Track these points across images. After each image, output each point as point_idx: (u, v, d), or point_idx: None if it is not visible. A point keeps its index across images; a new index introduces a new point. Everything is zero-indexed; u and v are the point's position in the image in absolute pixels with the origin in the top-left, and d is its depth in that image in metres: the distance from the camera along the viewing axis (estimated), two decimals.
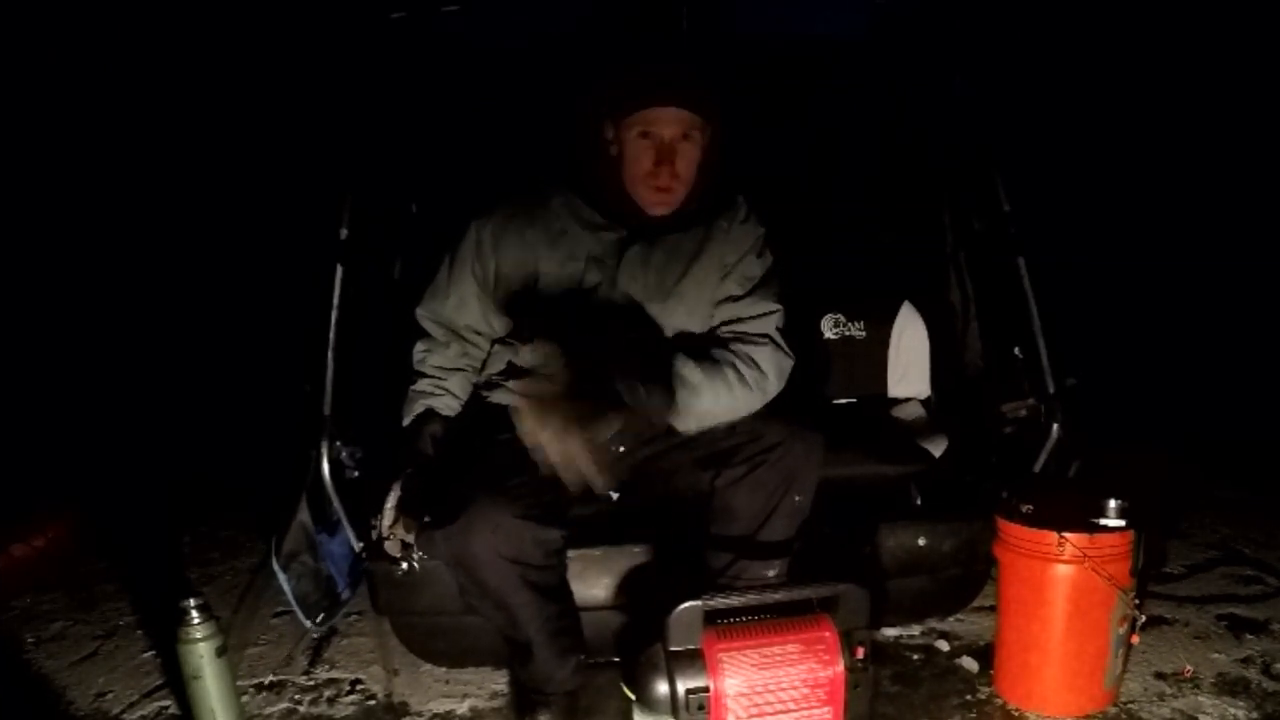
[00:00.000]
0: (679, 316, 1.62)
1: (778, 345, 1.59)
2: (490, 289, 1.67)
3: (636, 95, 1.54)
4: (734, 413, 1.52)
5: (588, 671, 1.56)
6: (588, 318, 1.60)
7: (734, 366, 1.52)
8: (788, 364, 1.60)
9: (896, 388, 2.22)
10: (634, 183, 1.59)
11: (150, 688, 1.90)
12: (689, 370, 1.47)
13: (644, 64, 1.58)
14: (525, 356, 1.66)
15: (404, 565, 1.53)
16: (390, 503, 1.52)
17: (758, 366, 1.55)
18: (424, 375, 1.69)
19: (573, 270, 1.61)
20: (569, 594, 1.55)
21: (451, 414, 1.67)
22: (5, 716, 1.88)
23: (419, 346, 1.72)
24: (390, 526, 1.51)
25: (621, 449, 1.63)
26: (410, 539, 1.52)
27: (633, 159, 1.57)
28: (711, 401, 1.49)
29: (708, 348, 1.57)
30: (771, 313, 1.62)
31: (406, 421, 1.67)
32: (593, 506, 1.58)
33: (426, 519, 1.48)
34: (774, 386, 1.57)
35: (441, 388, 1.67)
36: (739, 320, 1.61)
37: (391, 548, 1.54)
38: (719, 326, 1.63)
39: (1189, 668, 1.75)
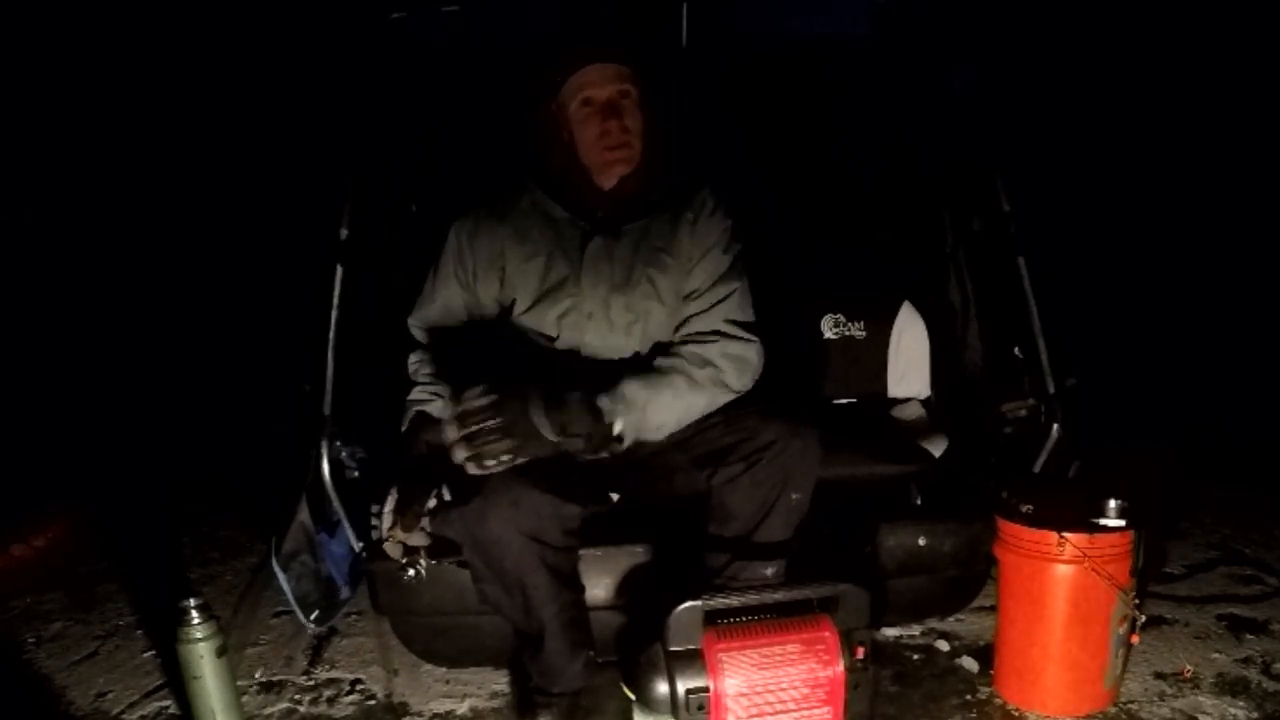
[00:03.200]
0: (648, 307, 1.64)
1: (729, 335, 1.61)
2: (472, 289, 1.70)
3: (566, 64, 1.59)
4: (697, 411, 1.55)
5: (593, 669, 1.57)
6: (565, 315, 1.63)
7: (681, 371, 1.55)
8: (744, 349, 1.60)
9: (896, 388, 2.22)
10: (588, 154, 1.62)
11: (150, 688, 1.90)
12: (632, 390, 1.50)
13: (567, 36, 1.65)
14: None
15: (410, 571, 1.53)
16: (388, 507, 1.52)
17: (708, 363, 1.57)
18: (417, 383, 1.70)
19: (536, 266, 1.64)
20: (581, 587, 1.55)
21: (444, 417, 1.68)
22: (5, 716, 1.88)
23: (412, 357, 1.73)
24: (389, 530, 1.51)
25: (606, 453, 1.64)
26: (412, 541, 1.52)
27: (581, 130, 1.60)
28: (663, 412, 1.52)
29: (658, 356, 1.60)
30: (722, 300, 1.63)
31: (403, 429, 1.68)
32: (593, 507, 1.58)
33: (437, 502, 1.48)
34: (733, 375, 1.58)
35: (433, 393, 1.68)
36: (694, 317, 1.64)
37: (392, 550, 1.54)
38: (679, 325, 1.65)
39: (1189, 668, 1.75)
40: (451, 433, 1.41)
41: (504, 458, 1.39)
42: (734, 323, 1.62)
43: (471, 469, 1.40)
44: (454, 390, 1.47)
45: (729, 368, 1.57)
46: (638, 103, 1.61)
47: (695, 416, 1.56)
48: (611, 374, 1.55)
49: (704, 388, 1.55)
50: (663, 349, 1.63)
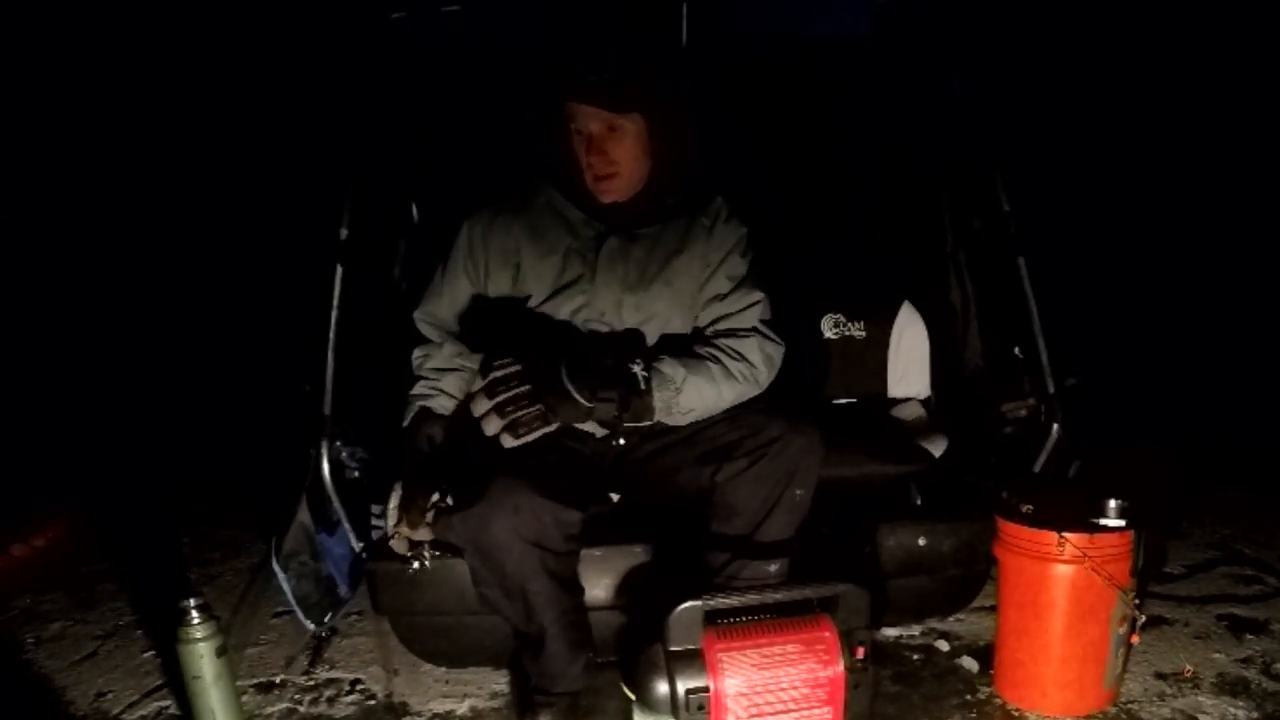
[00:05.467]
0: (660, 309, 1.65)
1: (764, 335, 1.64)
2: (482, 285, 1.71)
3: (560, 92, 1.60)
4: (725, 403, 1.57)
5: (593, 671, 1.57)
6: (577, 313, 1.64)
7: (718, 360, 1.57)
8: (775, 350, 1.64)
9: (896, 388, 2.22)
10: (583, 174, 1.64)
11: (150, 688, 1.90)
12: (669, 367, 1.52)
13: (564, 62, 1.63)
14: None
15: (415, 564, 1.53)
16: (393, 503, 1.52)
17: (744, 358, 1.59)
18: (421, 378, 1.71)
19: (552, 263, 1.65)
20: (581, 590, 1.56)
21: (447, 413, 1.68)
22: (5, 716, 1.88)
23: (417, 351, 1.74)
24: (395, 526, 1.51)
25: (622, 442, 1.64)
26: (418, 536, 1.52)
27: (577, 153, 1.63)
28: (696, 396, 1.53)
29: (693, 344, 1.61)
30: (755, 304, 1.66)
31: (405, 423, 1.68)
32: (594, 508, 1.58)
33: (438, 504, 1.48)
34: (764, 373, 1.62)
35: (436, 388, 1.69)
36: (725, 317, 1.66)
37: (399, 546, 1.54)
38: (707, 325, 1.67)
39: (1189, 668, 1.75)
40: (481, 405, 1.41)
41: (536, 424, 1.41)
42: (766, 323, 1.66)
43: (508, 441, 1.41)
44: (482, 364, 1.48)
45: (762, 366, 1.61)
46: (628, 134, 1.60)
47: (722, 408, 1.57)
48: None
49: (737, 381, 1.57)
50: (671, 349, 1.64)
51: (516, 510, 1.37)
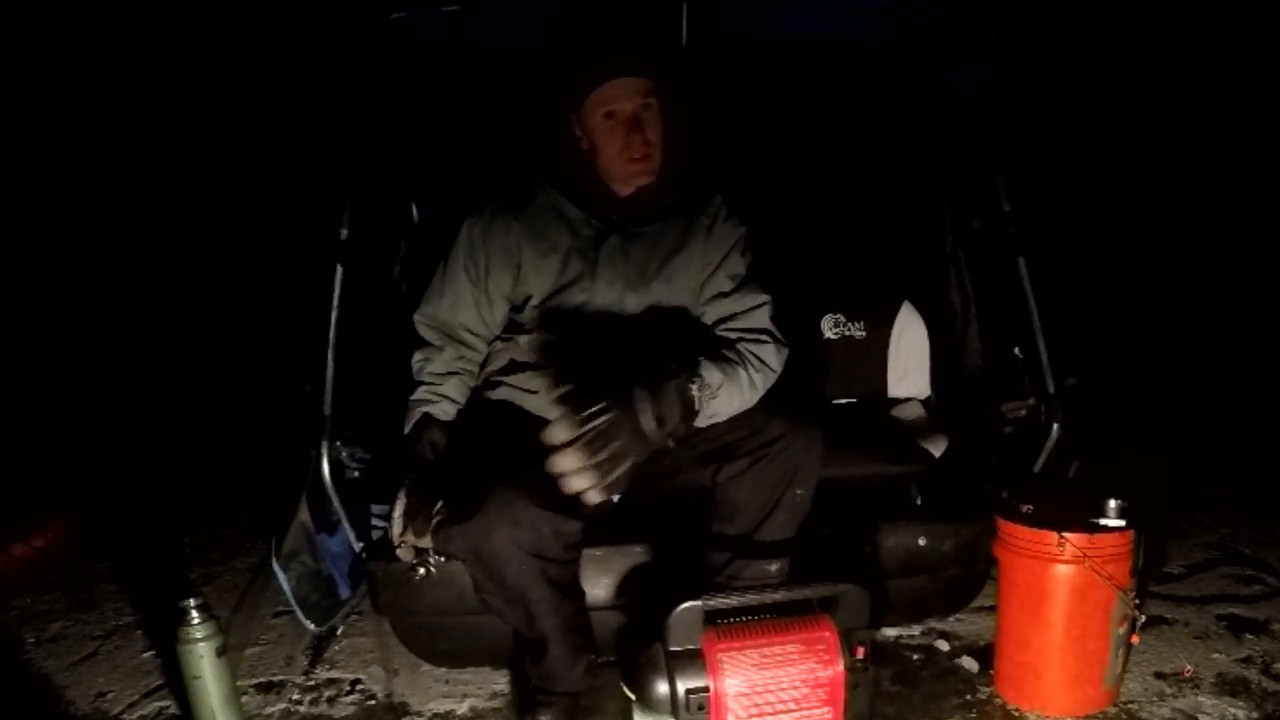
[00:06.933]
0: (660, 307, 1.65)
1: (777, 339, 1.64)
2: (482, 284, 1.71)
3: (590, 78, 1.60)
4: (739, 410, 1.56)
5: (595, 672, 1.57)
6: (578, 311, 1.64)
7: (748, 367, 1.56)
8: (786, 354, 1.65)
9: (896, 388, 2.22)
10: (610, 164, 1.64)
11: (150, 688, 1.90)
12: (709, 372, 1.49)
13: (590, 49, 1.64)
14: (526, 350, 1.68)
15: (421, 571, 1.53)
16: (398, 511, 1.52)
17: (767, 365, 1.59)
18: (421, 383, 1.71)
19: (553, 262, 1.66)
20: (582, 593, 1.56)
21: (449, 419, 1.68)
22: (5, 716, 1.88)
23: (417, 356, 1.74)
24: (401, 535, 1.51)
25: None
26: (423, 544, 1.52)
27: (604, 142, 1.62)
28: (726, 402, 1.52)
29: (718, 347, 1.59)
30: (763, 304, 1.66)
31: (406, 430, 1.68)
32: (594, 506, 1.58)
33: (439, 517, 1.48)
34: (775, 378, 1.61)
35: (438, 394, 1.69)
36: (734, 316, 1.65)
37: (405, 555, 1.53)
38: (715, 324, 1.66)
39: (1189, 668, 1.75)
40: (572, 461, 1.31)
41: (621, 478, 1.34)
42: (776, 323, 1.66)
43: (595, 497, 1.34)
44: (567, 407, 1.35)
45: (778, 370, 1.61)
46: (659, 113, 1.63)
47: (735, 413, 1.56)
48: (646, 357, 1.51)
49: (757, 390, 1.57)
50: (670, 347, 1.64)
51: (515, 523, 1.37)
